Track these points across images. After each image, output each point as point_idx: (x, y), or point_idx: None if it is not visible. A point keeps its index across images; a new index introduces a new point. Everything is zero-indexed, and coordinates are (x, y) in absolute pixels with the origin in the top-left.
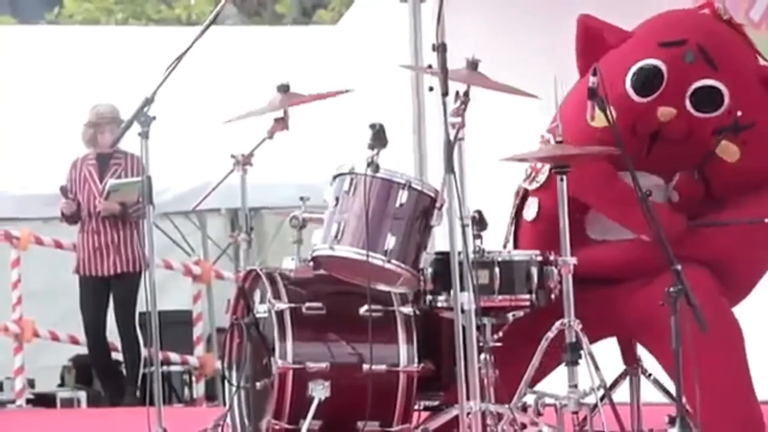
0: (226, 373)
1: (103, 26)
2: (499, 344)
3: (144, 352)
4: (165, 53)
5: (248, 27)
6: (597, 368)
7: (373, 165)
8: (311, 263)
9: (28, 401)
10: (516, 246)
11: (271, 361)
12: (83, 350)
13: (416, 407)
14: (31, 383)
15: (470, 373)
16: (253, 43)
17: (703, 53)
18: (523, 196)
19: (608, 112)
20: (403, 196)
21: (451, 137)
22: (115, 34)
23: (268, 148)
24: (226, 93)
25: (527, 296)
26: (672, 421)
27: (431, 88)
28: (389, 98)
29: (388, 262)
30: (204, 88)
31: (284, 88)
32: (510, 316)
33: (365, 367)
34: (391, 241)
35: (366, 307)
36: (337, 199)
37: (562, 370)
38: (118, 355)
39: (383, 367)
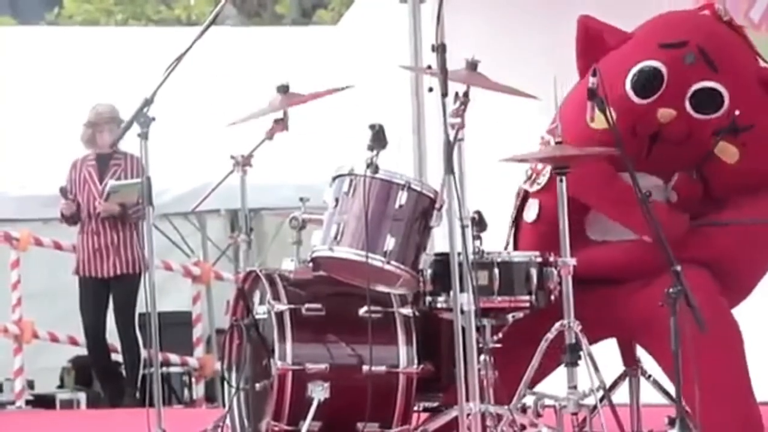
0: (226, 375)
1: (103, 27)
2: (498, 345)
3: (143, 353)
4: (165, 54)
5: (248, 27)
6: (596, 369)
7: (372, 166)
8: (311, 264)
9: (28, 402)
10: (516, 247)
11: (271, 363)
12: (83, 351)
13: (416, 408)
14: (30, 384)
15: (470, 375)
16: (252, 43)
17: (703, 55)
18: (523, 198)
19: (608, 113)
20: (402, 197)
21: (451, 138)
22: (114, 34)
23: (267, 149)
24: (225, 94)
25: (527, 297)
26: (671, 423)
27: (431, 89)
28: (389, 99)
29: (388, 263)
30: (204, 88)
31: (284, 89)
32: (509, 317)
33: (365, 368)
34: (390, 242)
35: (365, 308)
36: (336, 200)
37: (561, 372)
38: (117, 357)
39: (383, 368)
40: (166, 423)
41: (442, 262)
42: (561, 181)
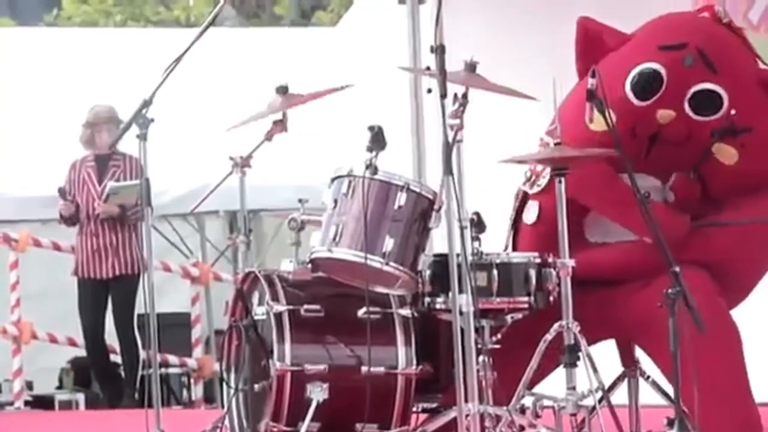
0: (225, 375)
1: (102, 28)
2: (497, 346)
3: (142, 354)
4: (163, 55)
5: (247, 28)
6: (595, 370)
7: (371, 167)
8: (309, 265)
9: (27, 403)
10: (515, 249)
11: (270, 363)
12: (82, 352)
13: (414, 409)
14: (29, 385)
15: (468, 375)
16: (251, 44)
17: (702, 57)
18: (522, 199)
19: (606, 114)
20: (401, 198)
21: (450, 139)
22: (113, 35)
23: (266, 150)
24: (224, 95)
25: (525, 298)
26: (670, 423)
27: (430, 90)
28: (388, 100)
29: (387, 264)
30: (202, 90)
31: (283, 90)
32: (508, 318)
33: (363, 369)
34: (389, 243)
35: (364, 309)
36: (335, 202)
37: (560, 372)
38: (116, 358)
39: (381, 369)
40: (165, 424)
41: (441, 263)
42: (560, 182)
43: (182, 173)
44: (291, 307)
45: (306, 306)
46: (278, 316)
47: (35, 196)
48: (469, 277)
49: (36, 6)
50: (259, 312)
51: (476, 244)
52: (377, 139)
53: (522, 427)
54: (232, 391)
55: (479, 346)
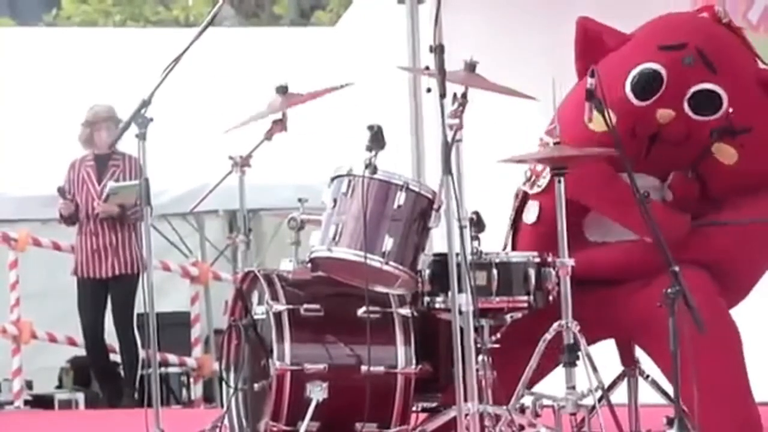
0: (224, 375)
1: (101, 28)
2: (496, 346)
3: (142, 353)
4: (163, 55)
5: (246, 28)
6: (595, 370)
7: (370, 166)
8: (309, 265)
9: (26, 403)
10: (515, 249)
11: (269, 363)
12: (81, 352)
13: (414, 409)
14: (29, 385)
15: (468, 375)
16: (250, 44)
17: (702, 57)
18: (522, 199)
19: (606, 114)
20: (400, 198)
21: (449, 139)
22: (113, 35)
23: (266, 150)
24: (223, 94)
25: (525, 298)
26: (670, 423)
27: (429, 90)
28: (387, 100)
29: (386, 263)
30: (202, 89)
31: (282, 90)
32: (508, 317)
33: (363, 368)
34: (388, 243)
35: (364, 308)
36: (335, 201)
37: (559, 372)
38: (116, 357)
39: (381, 368)
40: (165, 423)
41: (441, 262)
42: (559, 182)
43: (182, 173)
44: (290, 306)
45: (305, 305)
46: (278, 316)
47: (35, 196)
48: (469, 276)
49: (35, 6)
50: (258, 311)
51: (476, 243)
52: (376, 139)
53: (522, 427)
54: (231, 391)
55: (479, 345)
